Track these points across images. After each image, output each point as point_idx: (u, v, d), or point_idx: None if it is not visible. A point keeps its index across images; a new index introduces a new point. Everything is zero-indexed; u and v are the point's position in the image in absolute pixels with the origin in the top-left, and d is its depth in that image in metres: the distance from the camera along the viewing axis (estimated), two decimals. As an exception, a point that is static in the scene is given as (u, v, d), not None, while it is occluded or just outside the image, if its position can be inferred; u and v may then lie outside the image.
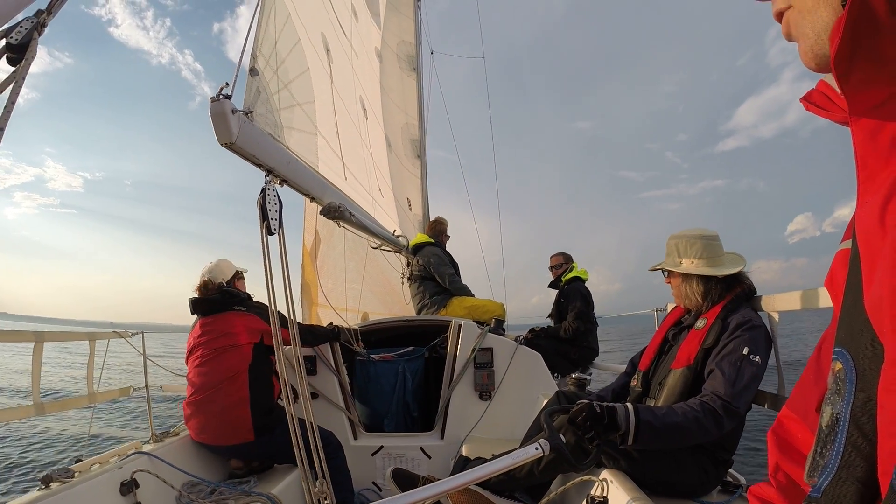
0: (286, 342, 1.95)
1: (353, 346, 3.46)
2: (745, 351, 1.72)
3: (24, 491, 2.51)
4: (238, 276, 3.04)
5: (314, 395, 3.30)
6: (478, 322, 3.80)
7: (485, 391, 3.33)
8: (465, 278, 4.87)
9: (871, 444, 0.50)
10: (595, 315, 4.76)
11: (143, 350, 2.85)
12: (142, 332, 2.87)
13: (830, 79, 0.58)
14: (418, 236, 4.96)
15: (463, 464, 2.37)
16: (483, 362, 3.37)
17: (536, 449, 1.43)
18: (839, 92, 0.54)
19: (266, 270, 1.86)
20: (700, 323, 1.94)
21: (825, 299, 1.58)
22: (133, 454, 2.25)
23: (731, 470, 1.98)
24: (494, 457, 2.37)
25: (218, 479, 2.62)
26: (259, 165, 2.04)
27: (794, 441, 0.74)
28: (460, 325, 3.48)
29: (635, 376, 2.15)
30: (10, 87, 0.89)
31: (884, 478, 0.47)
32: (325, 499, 1.84)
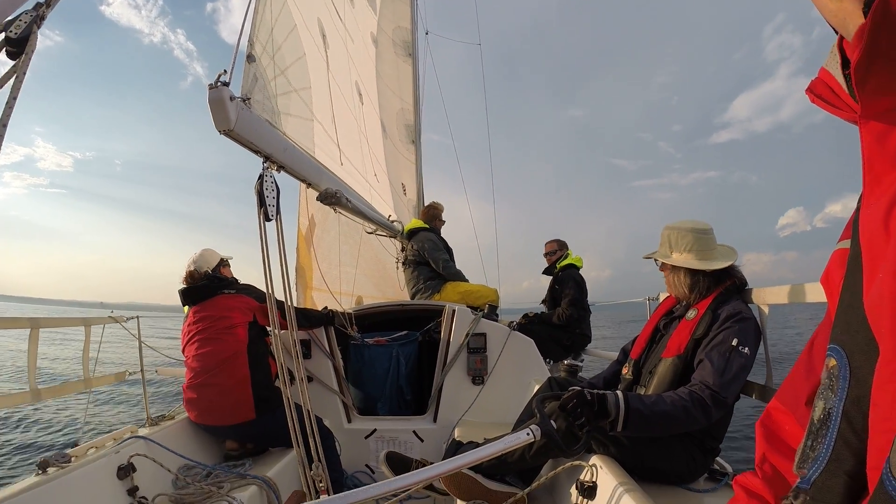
0: (282, 326, 1.99)
1: (347, 330, 3.49)
2: (735, 342, 1.75)
3: (21, 476, 2.53)
4: (223, 263, 3.09)
5: (309, 379, 3.34)
6: (471, 307, 3.84)
7: (478, 376, 3.37)
8: (458, 261, 4.90)
9: (861, 439, 0.52)
10: (588, 302, 4.81)
11: (139, 335, 2.87)
12: (137, 317, 2.89)
13: (831, 66, 0.58)
14: (413, 221, 4.97)
15: (455, 448, 2.42)
16: (476, 347, 3.41)
17: (528, 434, 1.46)
18: (844, 87, 0.55)
19: (263, 256, 1.88)
20: (691, 313, 1.97)
21: (814, 294, 1.61)
22: (129, 438, 2.27)
23: (718, 458, 2.02)
24: (486, 441, 2.42)
25: (213, 461, 2.65)
26: (257, 152, 2.05)
27: (781, 433, 0.75)
28: (454, 311, 3.51)
29: (626, 364, 2.19)
30: (12, 81, 0.89)
31: (873, 472, 0.50)
32: (321, 482, 1.88)
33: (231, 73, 1.84)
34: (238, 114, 1.86)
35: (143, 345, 2.90)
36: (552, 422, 1.56)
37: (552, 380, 2.43)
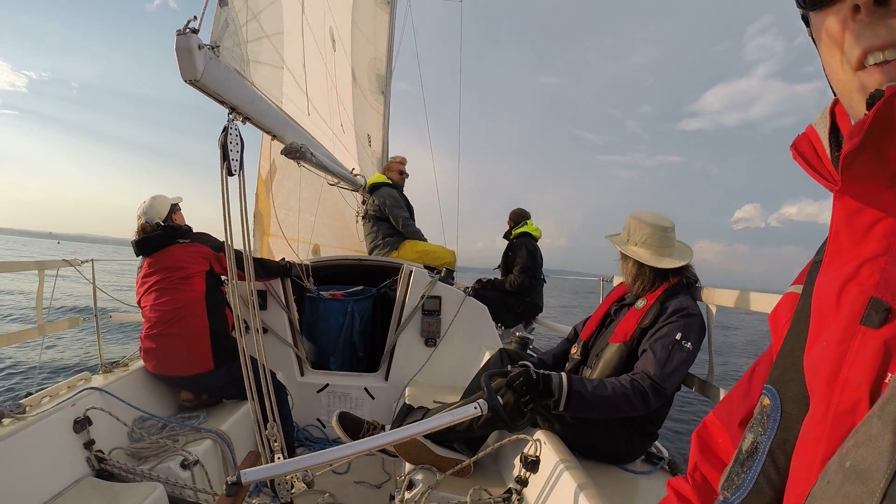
0: (239, 277, 1.97)
1: (303, 282, 3.47)
2: (678, 336, 1.85)
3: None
4: (175, 209, 2.99)
5: (264, 331, 3.33)
6: (428, 268, 3.87)
7: (430, 338, 3.44)
8: (417, 215, 4.89)
9: (782, 478, 0.58)
10: (543, 273, 4.93)
11: (94, 279, 2.77)
12: (91, 261, 2.78)
13: (819, 127, 0.60)
14: (376, 175, 4.89)
15: (406, 412, 2.50)
16: (431, 310, 3.46)
17: (475, 408, 1.53)
18: (828, 153, 0.57)
19: (225, 211, 1.84)
20: (640, 303, 2.05)
21: (759, 304, 1.71)
22: (85, 390, 2.23)
23: (656, 442, 2.16)
24: (436, 404, 2.51)
25: (168, 413, 2.66)
26: (222, 103, 1.95)
27: (714, 446, 0.81)
28: (412, 271, 3.53)
29: (576, 344, 2.28)
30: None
31: None
32: (275, 441, 1.92)
33: (202, 18, 1.72)
34: (206, 63, 1.76)
35: (97, 290, 2.81)
36: (499, 397, 1.64)
37: (503, 351, 2.49)
